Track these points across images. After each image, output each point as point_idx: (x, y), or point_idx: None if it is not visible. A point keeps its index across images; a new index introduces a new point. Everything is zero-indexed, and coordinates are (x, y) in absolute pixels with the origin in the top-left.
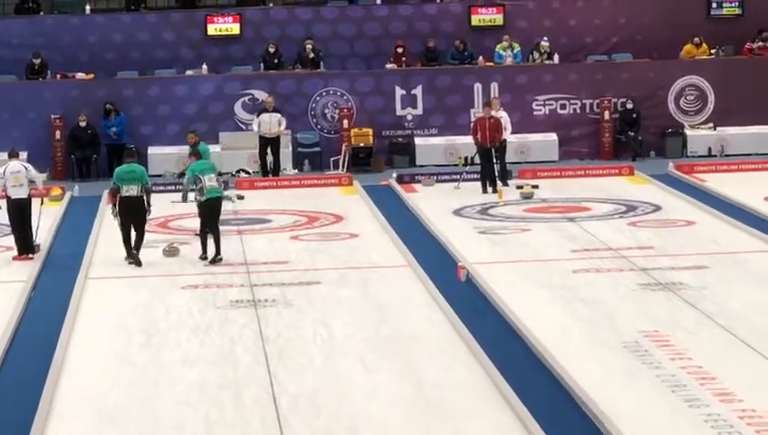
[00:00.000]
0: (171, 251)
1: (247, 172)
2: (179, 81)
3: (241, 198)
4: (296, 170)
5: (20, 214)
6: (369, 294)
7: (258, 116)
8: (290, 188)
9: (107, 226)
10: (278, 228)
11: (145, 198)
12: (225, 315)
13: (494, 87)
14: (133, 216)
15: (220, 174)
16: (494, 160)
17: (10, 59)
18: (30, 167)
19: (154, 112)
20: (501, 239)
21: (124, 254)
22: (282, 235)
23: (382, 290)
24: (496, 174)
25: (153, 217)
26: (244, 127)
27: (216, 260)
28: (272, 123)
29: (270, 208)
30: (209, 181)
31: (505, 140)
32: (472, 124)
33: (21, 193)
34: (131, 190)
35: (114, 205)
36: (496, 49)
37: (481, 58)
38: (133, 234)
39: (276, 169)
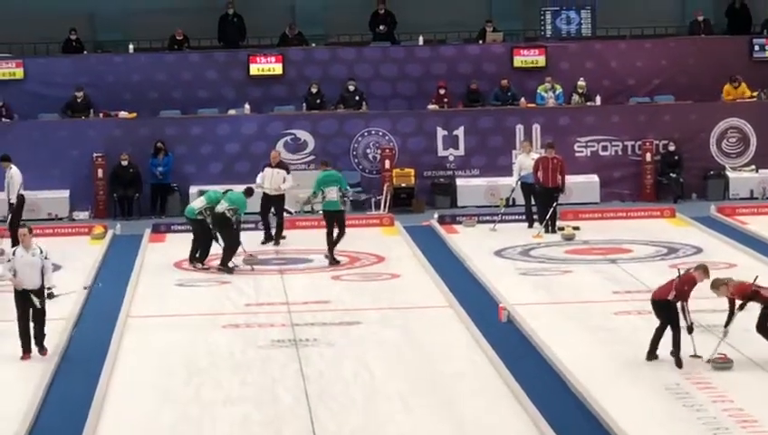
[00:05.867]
0: (251, 260)
1: (289, 212)
2: (222, 120)
3: (283, 237)
4: (308, 211)
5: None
6: (411, 334)
7: (263, 170)
8: None
9: (148, 264)
10: (319, 268)
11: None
12: (267, 354)
13: (536, 128)
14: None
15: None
16: (551, 202)
17: (53, 97)
18: (46, 252)
19: (196, 151)
20: (542, 280)
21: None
22: (323, 274)
23: (423, 331)
24: (548, 215)
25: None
26: None
27: (333, 261)
28: (274, 179)
29: (311, 248)
30: (329, 194)
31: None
32: (534, 163)
33: (30, 283)
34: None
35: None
36: (538, 90)
37: (523, 99)
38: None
39: (278, 232)
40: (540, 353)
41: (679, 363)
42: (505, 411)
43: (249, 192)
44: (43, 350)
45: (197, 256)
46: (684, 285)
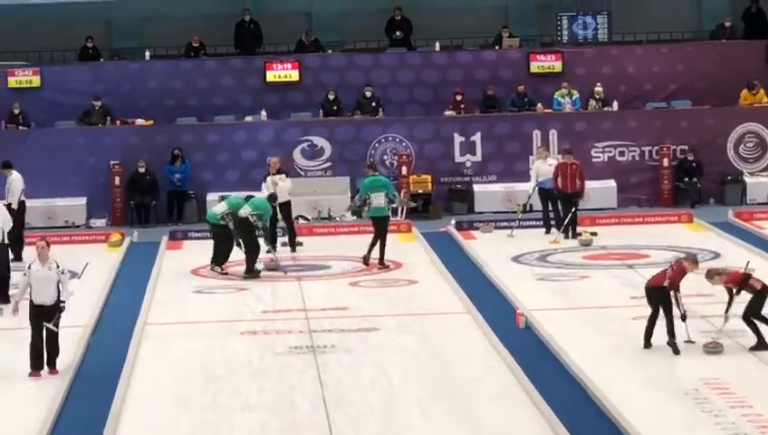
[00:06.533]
0: (271, 266)
1: (306, 218)
2: (238, 127)
3: (300, 244)
4: (354, 217)
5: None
6: (428, 340)
7: (264, 181)
8: (348, 235)
9: (165, 271)
10: (337, 274)
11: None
12: (285, 361)
13: (553, 134)
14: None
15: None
16: (571, 207)
17: (70, 105)
18: (64, 268)
19: (213, 159)
20: (560, 286)
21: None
22: (341, 281)
23: (441, 337)
24: (567, 220)
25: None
26: (303, 173)
27: (382, 264)
28: (280, 187)
29: (329, 255)
30: (376, 199)
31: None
32: (553, 170)
33: (45, 298)
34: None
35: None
36: (555, 96)
37: (539, 105)
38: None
39: (293, 239)
40: (557, 359)
41: (676, 350)
42: (523, 417)
43: (273, 198)
44: (53, 369)
45: (217, 259)
46: (676, 274)
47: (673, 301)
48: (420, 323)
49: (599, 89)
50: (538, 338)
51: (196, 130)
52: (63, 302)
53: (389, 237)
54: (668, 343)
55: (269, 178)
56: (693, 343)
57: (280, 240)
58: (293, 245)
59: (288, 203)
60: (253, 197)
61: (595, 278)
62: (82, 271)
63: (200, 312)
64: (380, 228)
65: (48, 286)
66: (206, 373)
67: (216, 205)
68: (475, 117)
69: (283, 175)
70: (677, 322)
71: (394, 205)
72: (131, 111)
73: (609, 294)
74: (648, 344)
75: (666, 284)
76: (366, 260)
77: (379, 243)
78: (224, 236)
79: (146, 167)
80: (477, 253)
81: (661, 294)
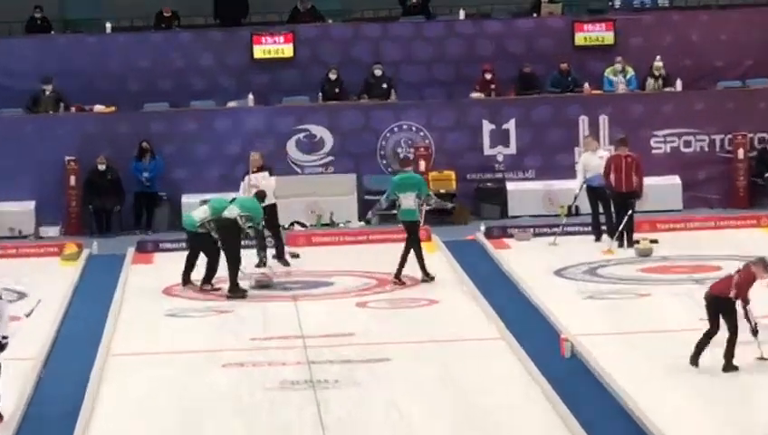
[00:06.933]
0: (263, 281)
1: (303, 225)
2: (220, 114)
3: (296, 256)
4: (362, 223)
5: None
6: (453, 372)
7: (243, 180)
8: (355, 245)
9: (132, 290)
10: (341, 293)
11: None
12: (278, 399)
13: (604, 120)
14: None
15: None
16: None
17: (16, 89)
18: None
19: (189, 153)
20: (612, 306)
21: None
22: (345, 301)
23: (468, 368)
24: (622, 226)
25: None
26: (299, 170)
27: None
28: (263, 187)
29: (331, 269)
30: (405, 200)
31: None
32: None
33: None
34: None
35: None
36: (605, 74)
37: (586, 85)
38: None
39: (281, 249)
40: (609, 394)
41: (733, 368)
42: None
43: (261, 196)
44: None
45: (206, 275)
46: (743, 282)
47: (740, 313)
48: (443, 352)
49: (658, 64)
50: (586, 368)
51: (168, 118)
52: (6, 338)
53: (399, 247)
54: (724, 368)
55: (247, 178)
56: (766, 359)
57: (269, 252)
58: (282, 256)
59: (274, 206)
60: (239, 197)
61: (656, 296)
62: (31, 311)
63: (174, 339)
64: (409, 234)
65: None
66: (182, 414)
67: (196, 209)
68: (509, 100)
69: (266, 172)
70: (745, 335)
71: (429, 206)
72: (89, 96)
73: (672, 315)
74: (695, 362)
75: (732, 294)
76: (398, 277)
77: (414, 253)
78: (203, 248)
79: (107, 163)
80: (512, 266)
81: (725, 306)
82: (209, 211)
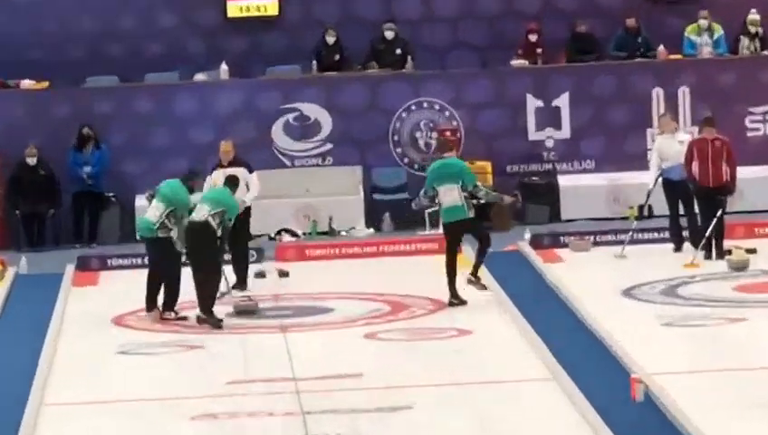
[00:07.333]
0: (246, 307)
1: (294, 234)
2: (185, 90)
3: (285, 274)
4: (371, 229)
5: None
6: (490, 424)
7: (211, 173)
8: (361, 258)
9: (72, 319)
10: (343, 322)
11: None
12: None
13: (684, 93)
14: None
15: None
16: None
17: None
18: None
19: (144, 140)
20: (698, 335)
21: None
22: (349, 332)
23: (510, 418)
24: (709, 231)
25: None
26: (288, 162)
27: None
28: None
29: (330, 291)
30: (446, 195)
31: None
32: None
33: None
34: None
35: None
36: (686, 33)
37: (662, 48)
38: None
39: (244, 269)
40: None
41: None
42: None
43: (233, 181)
44: None
45: (165, 300)
46: None
47: None
48: (476, 397)
49: (755, 17)
50: (663, 416)
51: (117, 95)
52: None
53: (420, 261)
54: None
55: (215, 173)
56: None
57: (254, 269)
58: (244, 283)
59: (247, 211)
60: (193, 179)
61: (754, 321)
62: None
63: (128, 383)
64: (457, 237)
65: None
66: None
67: (149, 209)
68: (560, 68)
69: (243, 169)
70: None
71: (478, 199)
72: (15, 69)
73: None
74: None
75: None
76: (454, 296)
77: (477, 257)
78: (165, 258)
79: (38, 155)
80: (566, 284)
81: None
82: (163, 204)
